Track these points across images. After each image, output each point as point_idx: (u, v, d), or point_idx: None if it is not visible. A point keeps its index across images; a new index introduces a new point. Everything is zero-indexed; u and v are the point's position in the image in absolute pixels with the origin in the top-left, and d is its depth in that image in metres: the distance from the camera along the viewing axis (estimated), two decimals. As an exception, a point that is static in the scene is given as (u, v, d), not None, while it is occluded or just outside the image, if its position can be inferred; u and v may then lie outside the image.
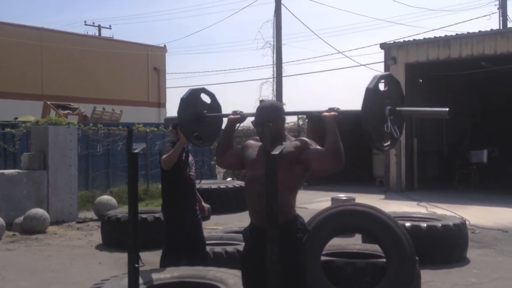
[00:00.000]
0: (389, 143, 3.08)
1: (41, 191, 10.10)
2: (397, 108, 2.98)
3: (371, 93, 2.89)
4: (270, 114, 3.19)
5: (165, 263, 5.22)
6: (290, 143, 3.17)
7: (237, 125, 3.52)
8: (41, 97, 20.44)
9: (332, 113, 3.06)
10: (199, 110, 3.79)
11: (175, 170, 5.24)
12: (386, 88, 3.04)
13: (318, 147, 3.12)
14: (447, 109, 2.83)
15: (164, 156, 5.16)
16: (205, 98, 3.90)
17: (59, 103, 18.18)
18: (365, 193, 13.34)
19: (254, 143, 3.31)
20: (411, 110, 3.21)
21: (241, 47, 61.28)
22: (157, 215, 7.87)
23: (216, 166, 16.84)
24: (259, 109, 3.25)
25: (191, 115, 3.75)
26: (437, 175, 16.70)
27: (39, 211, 9.31)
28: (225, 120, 3.67)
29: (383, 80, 3.02)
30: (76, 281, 6.17)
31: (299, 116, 18.04)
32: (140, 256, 4.20)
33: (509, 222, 9.41)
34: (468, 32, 14.11)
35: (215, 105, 3.91)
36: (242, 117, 3.50)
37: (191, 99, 3.78)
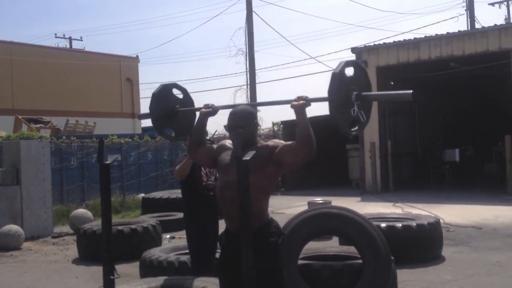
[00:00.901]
0: (356, 128, 3.12)
1: (15, 207, 9.93)
2: (363, 93, 3.03)
3: (337, 77, 2.93)
4: (242, 119, 3.21)
5: (196, 268, 5.21)
6: (261, 145, 3.20)
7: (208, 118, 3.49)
8: (12, 112, 20.14)
9: (301, 101, 3.08)
10: (171, 105, 3.79)
11: (190, 180, 5.29)
12: (352, 75, 3.09)
13: (289, 142, 3.15)
14: (411, 91, 2.90)
15: (177, 166, 5.22)
16: (177, 94, 3.89)
17: (31, 117, 17.95)
18: (342, 196, 13.44)
19: (228, 146, 3.32)
20: (377, 94, 3.26)
21: (214, 55, 61.43)
22: (133, 226, 7.82)
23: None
24: (232, 113, 3.27)
25: (163, 110, 3.74)
26: (412, 176, 16.92)
27: (13, 227, 9.15)
28: (197, 114, 3.66)
29: (349, 67, 3.07)
30: (52, 296, 6.08)
31: (274, 122, 18.15)
32: (116, 268, 4.17)
33: (482, 219, 9.58)
34: (436, 34, 14.37)
35: (187, 100, 3.90)
36: (213, 110, 3.48)
37: (163, 94, 3.78)
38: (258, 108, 20.54)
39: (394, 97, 3.40)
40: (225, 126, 3.26)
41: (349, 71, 3.08)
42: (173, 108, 3.78)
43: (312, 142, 3.03)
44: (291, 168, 3.21)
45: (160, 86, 3.81)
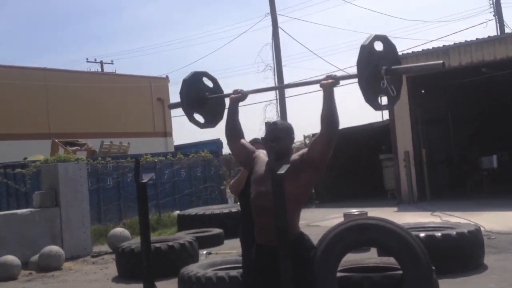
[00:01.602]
0: (386, 103, 3.11)
1: (55, 228, 10.14)
2: (393, 67, 3.02)
3: (366, 49, 2.94)
4: (280, 132, 3.25)
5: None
6: (294, 155, 3.23)
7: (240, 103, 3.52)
8: (49, 136, 20.65)
9: (330, 80, 3.10)
10: (201, 93, 3.83)
11: (246, 196, 5.03)
12: (382, 49, 3.08)
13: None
14: (441, 61, 2.88)
15: (232, 181, 5.05)
16: (208, 83, 3.92)
17: (66, 140, 18.37)
18: (378, 206, 13.28)
19: (263, 158, 3.34)
20: (406, 67, 3.24)
21: (243, 71, 61.75)
22: (170, 243, 7.89)
23: (226, 190, 16.85)
24: (270, 125, 3.33)
25: (193, 97, 3.78)
26: (448, 184, 16.60)
27: (54, 248, 9.34)
28: (227, 102, 3.66)
29: (378, 41, 3.06)
30: (94, 315, 6.16)
31: (305, 135, 18.11)
32: (156, 285, 4.22)
33: (524, 226, 9.33)
34: (466, 41, 14.18)
35: (217, 89, 3.92)
36: (243, 95, 3.52)
37: (193, 81, 3.82)
38: (289, 121, 20.56)
39: (425, 68, 3.40)
40: (262, 139, 3.30)
41: (379, 47, 3.07)
42: (203, 95, 3.82)
43: (335, 121, 3.04)
44: (322, 161, 3.13)
45: (191, 73, 3.85)
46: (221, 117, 3.89)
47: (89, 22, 68.15)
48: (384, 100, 3.16)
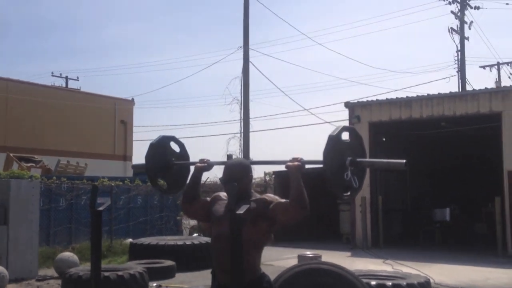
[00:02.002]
0: (348, 193, 3.17)
1: (1, 247, 9.76)
2: (358, 159, 3.11)
3: (334, 139, 3.02)
4: (237, 173, 3.25)
5: None
6: (255, 200, 3.23)
7: (203, 173, 3.54)
8: (4, 149, 20.07)
9: (296, 163, 3.14)
10: (167, 157, 3.81)
11: None
12: (348, 140, 3.17)
13: (283, 200, 3.19)
14: (404, 161, 2.99)
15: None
16: (175, 147, 3.92)
17: (22, 155, 17.88)
18: (332, 250, 13.34)
19: (222, 198, 3.34)
20: (371, 161, 3.35)
21: (209, 102, 62.01)
22: (120, 273, 7.71)
23: (182, 221, 16.65)
24: (227, 167, 3.31)
25: (159, 161, 3.77)
26: (402, 232, 16.86)
27: (-3, 268, 8.97)
28: (192, 169, 3.68)
29: (345, 132, 3.16)
30: None
31: (266, 172, 18.18)
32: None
33: (472, 281, 9.52)
34: (428, 94, 14.66)
35: (184, 154, 3.92)
36: (209, 165, 3.53)
37: (160, 146, 3.81)
38: (251, 157, 20.61)
39: (387, 166, 3.51)
40: (220, 179, 3.30)
41: (345, 136, 3.16)
42: (169, 160, 3.81)
43: (305, 204, 3.09)
44: (284, 225, 3.23)
45: (158, 137, 3.84)
46: (184, 183, 3.86)
47: (59, 35, 67.43)
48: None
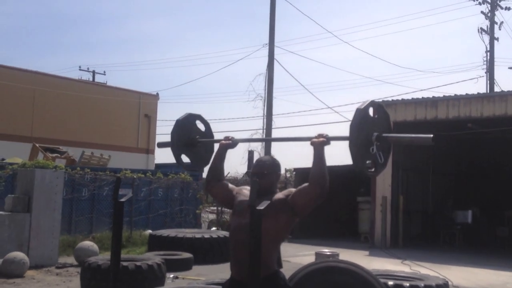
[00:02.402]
0: (373, 169, 3.15)
1: (23, 234, 9.96)
2: (384, 134, 3.08)
3: (361, 113, 2.99)
4: (266, 167, 3.29)
5: None
6: (278, 193, 3.25)
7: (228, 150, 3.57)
8: (30, 140, 20.43)
9: (321, 139, 3.13)
10: (192, 135, 3.84)
11: None
12: (376, 116, 3.14)
13: (303, 184, 3.19)
14: (431, 135, 2.94)
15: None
16: (200, 127, 3.94)
17: (47, 146, 18.19)
18: (350, 248, 13.29)
19: (246, 193, 3.36)
20: (397, 136, 3.30)
21: (233, 98, 62.17)
22: (138, 263, 7.79)
23: (201, 215, 16.75)
24: (258, 161, 3.37)
25: (183, 138, 3.80)
26: (421, 234, 16.70)
27: (19, 254, 9.16)
28: (216, 148, 3.70)
29: (373, 107, 3.12)
30: (51, 329, 6.03)
31: (287, 169, 18.16)
32: (119, 305, 4.15)
33: (490, 285, 9.40)
34: (455, 94, 14.46)
35: (209, 133, 3.95)
36: (233, 143, 3.55)
37: (186, 123, 3.84)
38: (272, 153, 20.61)
39: (415, 141, 3.45)
40: (248, 172, 3.34)
41: (373, 113, 3.14)
42: (193, 138, 3.83)
43: (325, 181, 3.07)
44: (304, 211, 3.18)
45: (185, 114, 3.88)
46: (207, 162, 3.90)
47: (86, 29, 68.30)
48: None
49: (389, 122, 3.22)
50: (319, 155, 3.10)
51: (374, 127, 3.08)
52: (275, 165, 3.37)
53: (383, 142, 3.10)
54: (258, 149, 21.41)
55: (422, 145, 3.18)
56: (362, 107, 3.02)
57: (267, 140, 17.49)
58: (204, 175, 18.97)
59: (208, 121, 3.99)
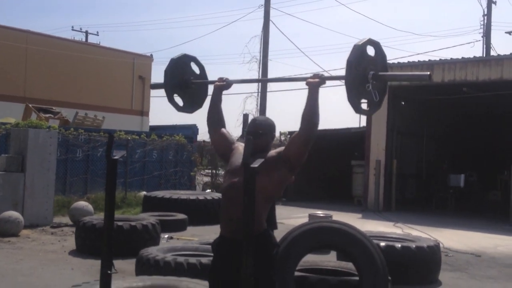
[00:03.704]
0: (368, 108, 3.14)
1: (17, 194, 9.97)
2: (380, 73, 3.06)
3: (358, 50, 2.97)
4: (262, 127, 3.26)
5: None
6: (272, 151, 3.23)
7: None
8: (23, 100, 20.23)
9: (316, 79, 3.11)
10: (186, 76, 3.78)
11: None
12: (373, 55, 3.11)
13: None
14: (428, 73, 2.92)
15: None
16: (195, 69, 3.87)
17: (41, 106, 18.02)
18: (343, 211, 13.41)
19: (240, 150, 3.32)
20: (393, 74, 3.27)
21: (228, 60, 61.69)
22: (133, 223, 7.83)
23: (196, 177, 16.80)
24: (253, 120, 3.34)
25: (177, 78, 3.74)
26: (415, 198, 16.87)
27: (14, 213, 9.18)
28: (210, 90, 3.65)
29: (371, 46, 3.09)
30: (47, 285, 6.10)
31: (281, 131, 18.15)
32: (114, 263, 4.17)
33: (482, 247, 9.53)
34: (451, 58, 14.36)
35: (203, 76, 3.89)
36: (228, 83, 3.51)
37: (181, 63, 3.78)
38: (268, 115, 20.54)
39: (411, 77, 3.41)
40: (245, 131, 3.31)
41: (371, 52, 3.10)
42: (187, 79, 3.77)
43: (316, 120, 3.06)
44: (299, 159, 3.12)
45: (180, 54, 3.81)
46: (200, 105, 3.86)
47: (79, -10, 66.92)
48: (365, 106, 3.19)
49: (386, 62, 3.19)
50: (313, 95, 3.08)
51: (371, 65, 3.05)
52: (270, 125, 3.34)
53: (379, 81, 3.07)
54: (253, 111, 21.36)
55: (419, 81, 3.15)
56: (360, 43, 2.98)
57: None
58: (199, 137, 18.96)
59: (203, 65, 3.90)
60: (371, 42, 3.08)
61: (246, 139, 3.07)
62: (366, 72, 3.01)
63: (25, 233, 9.16)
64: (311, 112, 3.05)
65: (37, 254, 7.75)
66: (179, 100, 3.85)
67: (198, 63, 3.87)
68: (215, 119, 3.47)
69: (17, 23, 72.71)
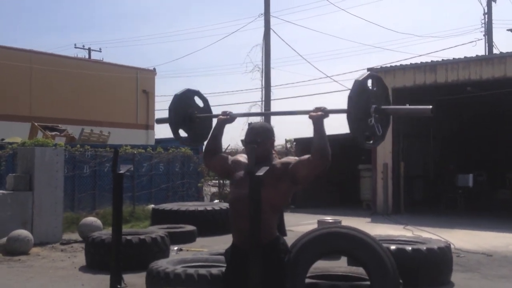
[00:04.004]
0: (371, 141, 3.13)
1: (26, 212, 10.00)
2: (382, 107, 3.05)
3: (359, 85, 2.96)
4: (260, 134, 3.26)
5: None
6: (277, 161, 3.23)
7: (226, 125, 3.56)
8: (29, 119, 20.35)
9: (319, 112, 3.10)
10: (190, 110, 3.82)
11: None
12: (374, 89, 3.11)
13: (304, 156, 3.16)
14: (430, 106, 2.91)
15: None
16: (199, 103, 3.91)
17: (47, 124, 18.13)
18: (352, 216, 13.35)
19: (243, 161, 3.34)
20: (396, 108, 3.27)
21: (230, 71, 61.80)
22: (142, 236, 7.83)
23: (203, 188, 16.80)
24: (250, 128, 3.33)
25: (181, 113, 3.77)
26: (423, 199, 16.78)
27: (23, 232, 9.21)
28: (214, 123, 3.68)
29: (371, 79, 3.10)
30: (58, 303, 6.09)
31: (287, 139, 18.15)
32: (123, 277, 4.18)
33: (493, 247, 9.46)
34: (454, 58, 14.35)
35: (207, 109, 3.92)
36: (231, 117, 3.53)
37: (184, 98, 3.81)
38: (272, 124, 20.58)
39: (413, 112, 3.39)
40: (242, 141, 3.31)
41: (371, 85, 3.10)
42: (191, 113, 3.81)
43: (327, 153, 3.04)
44: (305, 182, 3.17)
45: (184, 89, 3.84)
46: (205, 137, 3.87)
47: (80, 7, 67.51)
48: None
49: (388, 94, 3.19)
50: (318, 129, 3.07)
51: (372, 99, 3.05)
52: (268, 131, 3.33)
53: (381, 114, 3.07)
54: (258, 121, 21.37)
55: (422, 115, 3.13)
56: (361, 79, 2.98)
57: (266, 114, 17.58)
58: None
59: (207, 96, 3.96)
60: (371, 76, 3.09)
61: (249, 147, 3.08)
62: (368, 106, 3.01)
63: (35, 251, 9.18)
64: (319, 147, 3.04)
65: (47, 271, 7.76)
66: (184, 134, 3.89)
67: (202, 96, 3.92)
68: (214, 150, 3.50)
69: (19, 42, 73.36)
